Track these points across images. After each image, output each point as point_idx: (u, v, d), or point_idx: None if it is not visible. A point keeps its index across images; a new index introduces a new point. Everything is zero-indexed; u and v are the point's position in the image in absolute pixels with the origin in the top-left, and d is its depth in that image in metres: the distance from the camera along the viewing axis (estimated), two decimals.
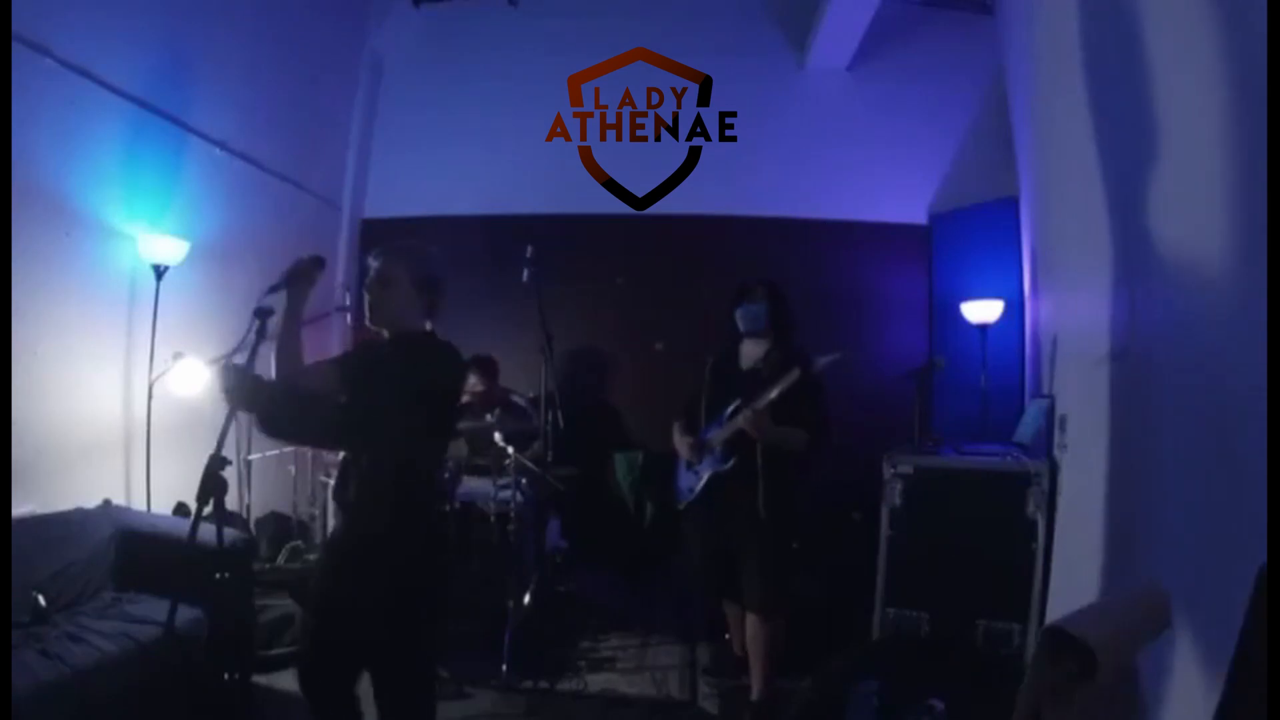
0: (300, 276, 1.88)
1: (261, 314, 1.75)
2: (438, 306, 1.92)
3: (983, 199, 4.14)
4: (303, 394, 1.80)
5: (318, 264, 1.90)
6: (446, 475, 3.62)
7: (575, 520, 4.00)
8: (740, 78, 4.63)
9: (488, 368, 3.87)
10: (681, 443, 2.82)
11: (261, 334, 1.75)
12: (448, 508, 3.43)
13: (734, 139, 4.53)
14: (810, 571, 3.33)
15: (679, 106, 4.62)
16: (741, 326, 2.74)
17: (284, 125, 4.11)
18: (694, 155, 4.58)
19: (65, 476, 2.73)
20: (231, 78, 3.65)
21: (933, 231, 4.44)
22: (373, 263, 1.88)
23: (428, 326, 1.92)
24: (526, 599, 3.32)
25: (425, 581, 1.80)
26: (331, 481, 1.87)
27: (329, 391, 1.77)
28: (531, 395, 3.92)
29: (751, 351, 2.75)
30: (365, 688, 1.82)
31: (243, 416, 1.96)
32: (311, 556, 3.47)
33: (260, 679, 2.64)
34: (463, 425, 3.77)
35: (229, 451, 1.61)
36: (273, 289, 1.84)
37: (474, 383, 3.84)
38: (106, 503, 2.75)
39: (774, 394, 2.47)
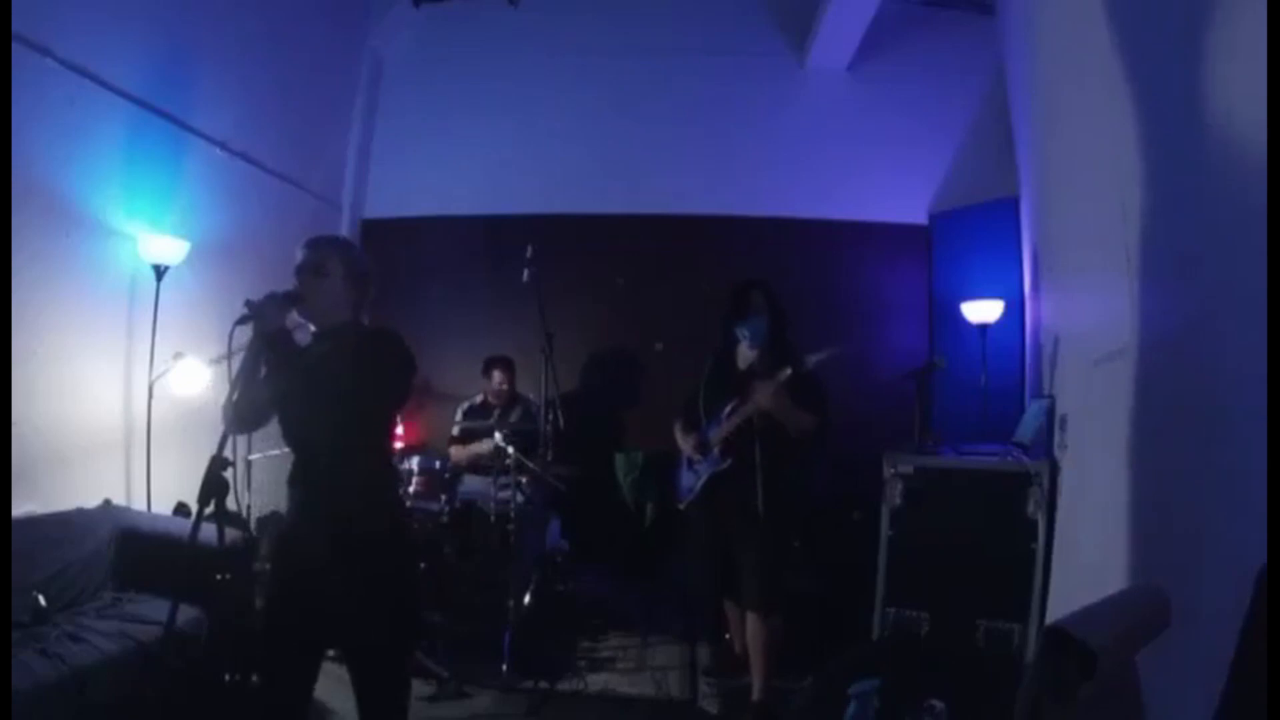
0: (269, 311, 1.74)
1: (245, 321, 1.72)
2: (363, 304, 1.90)
3: (983, 199, 4.14)
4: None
5: (292, 299, 1.78)
6: (446, 475, 3.64)
7: (575, 520, 4.00)
8: (740, 78, 4.63)
9: (508, 366, 3.88)
10: (685, 441, 2.82)
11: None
12: (448, 506, 3.45)
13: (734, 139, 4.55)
14: (810, 571, 3.33)
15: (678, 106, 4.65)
16: (747, 343, 2.72)
17: (284, 125, 4.11)
18: (694, 156, 4.60)
19: (65, 476, 2.73)
20: (231, 78, 3.65)
21: (933, 231, 4.44)
22: (304, 252, 1.82)
23: (365, 320, 1.92)
24: (526, 599, 3.32)
25: (389, 570, 1.80)
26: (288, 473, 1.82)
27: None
28: (531, 396, 3.93)
29: (748, 352, 2.76)
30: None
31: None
32: None
33: None
34: (469, 425, 3.79)
35: (229, 452, 1.61)
36: (242, 321, 1.72)
37: (499, 380, 3.84)
38: (106, 503, 2.75)
39: (786, 374, 2.48)
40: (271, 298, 1.74)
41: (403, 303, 4.55)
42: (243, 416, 1.73)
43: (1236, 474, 1.35)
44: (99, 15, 2.84)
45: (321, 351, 1.81)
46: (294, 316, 1.80)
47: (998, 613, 2.75)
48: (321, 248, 1.85)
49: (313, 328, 1.86)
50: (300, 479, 1.80)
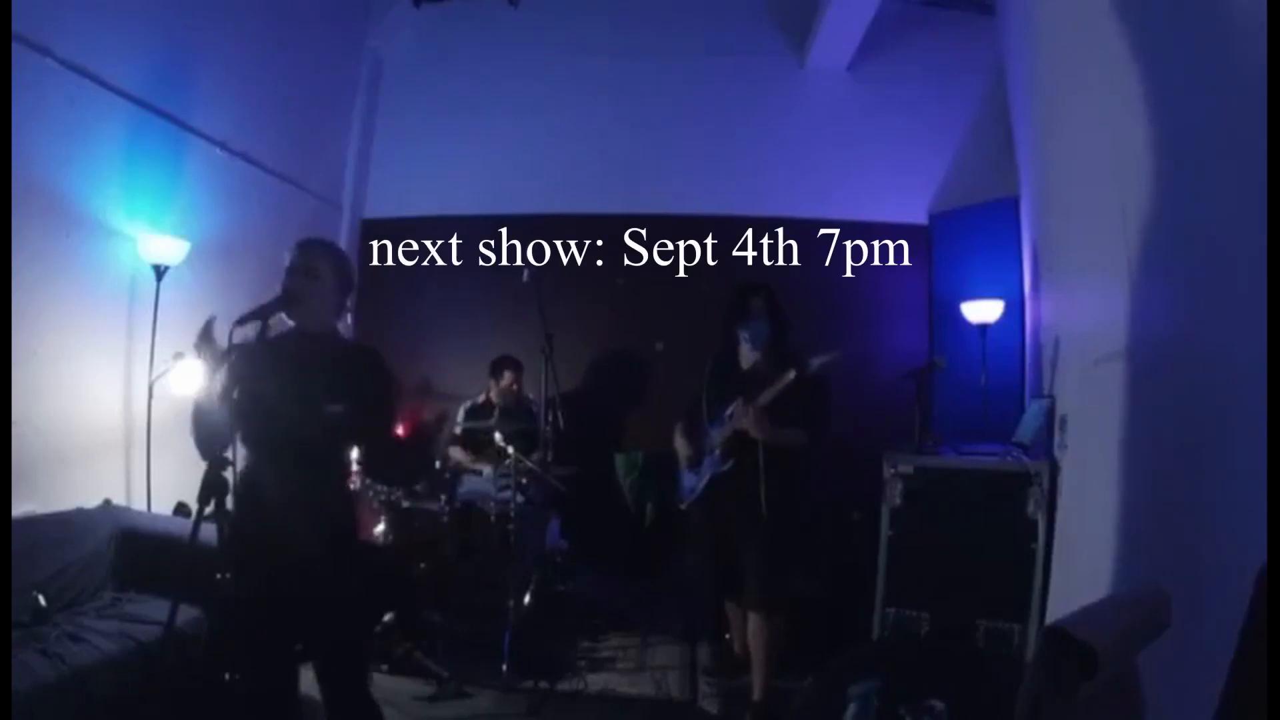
0: (269, 312, 1.77)
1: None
2: (345, 308, 1.93)
3: (983, 199, 4.13)
4: None
5: (289, 301, 1.80)
6: (447, 475, 3.64)
7: (575, 520, 4.00)
8: (740, 78, 4.63)
9: (518, 368, 3.90)
10: (682, 446, 2.83)
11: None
12: (448, 506, 3.45)
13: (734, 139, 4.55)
14: (810, 571, 3.33)
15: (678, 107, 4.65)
16: (748, 347, 2.71)
17: (284, 125, 4.10)
18: (694, 156, 4.61)
19: (65, 476, 2.73)
20: (231, 78, 3.65)
21: (933, 231, 4.43)
22: (295, 254, 1.84)
23: (340, 327, 1.95)
24: (526, 599, 3.32)
25: (351, 571, 1.86)
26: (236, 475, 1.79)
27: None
28: (531, 396, 3.93)
29: (750, 353, 2.75)
30: None
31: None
32: None
33: None
34: (471, 425, 3.79)
35: (228, 452, 1.61)
36: (242, 320, 1.72)
37: (509, 381, 3.84)
38: (106, 503, 2.75)
39: (771, 394, 2.49)
40: (272, 299, 1.75)
41: (403, 303, 4.56)
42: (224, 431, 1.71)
43: (1236, 474, 1.35)
44: (99, 15, 2.83)
45: (306, 357, 1.83)
46: (281, 318, 1.81)
47: (998, 613, 2.75)
48: (313, 250, 1.87)
49: (290, 322, 1.86)
50: (265, 480, 1.79)
